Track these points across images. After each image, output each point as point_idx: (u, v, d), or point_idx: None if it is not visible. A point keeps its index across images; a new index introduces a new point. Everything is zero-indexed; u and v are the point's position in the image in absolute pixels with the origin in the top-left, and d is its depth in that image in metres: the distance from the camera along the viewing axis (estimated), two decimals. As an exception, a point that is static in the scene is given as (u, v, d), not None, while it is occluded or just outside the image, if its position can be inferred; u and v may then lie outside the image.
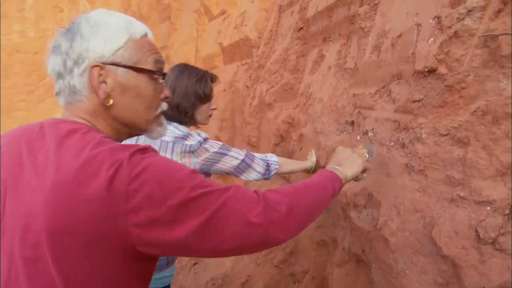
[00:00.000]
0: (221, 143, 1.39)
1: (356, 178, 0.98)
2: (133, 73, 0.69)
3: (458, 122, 0.88)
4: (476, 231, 0.77)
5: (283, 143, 2.25)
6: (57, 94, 0.70)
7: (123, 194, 0.57)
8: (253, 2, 2.68)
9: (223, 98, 3.06)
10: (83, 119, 0.69)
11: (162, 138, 1.31)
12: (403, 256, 0.96)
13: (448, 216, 0.83)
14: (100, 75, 0.67)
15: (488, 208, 0.76)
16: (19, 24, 9.95)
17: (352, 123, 1.48)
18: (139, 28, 0.72)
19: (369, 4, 1.42)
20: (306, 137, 1.89)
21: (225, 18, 3.23)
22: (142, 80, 0.71)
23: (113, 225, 0.57)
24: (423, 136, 0.97)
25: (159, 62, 0.74)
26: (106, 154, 0.59)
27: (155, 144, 1.31)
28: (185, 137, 1.31)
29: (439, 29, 0.95)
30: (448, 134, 0.90)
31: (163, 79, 0.75)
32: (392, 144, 1.12)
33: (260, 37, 2.62)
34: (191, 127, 1.45)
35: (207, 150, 1.33)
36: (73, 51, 0.66)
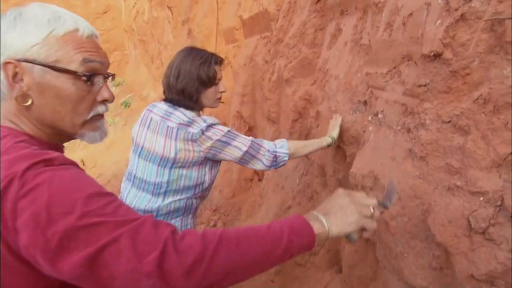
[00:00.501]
0: (226, 130, 1.35)
1: (349, 237, 0.73)
2: (52, 72, 0.64)
3: (460, 109, 0.87)
4: (468, 220, 0.78)
5: (301, 120, 2.26)
6: None
7: (12, 211, 0.53)
8: (271, -27, 2.61)
9: (244, 73, 3.07)
10: (9, 119, 0.66)
11: (168, 124, 1.32)
12: (401, 240, 0.99)
13: (444, 205, 0.85)
14: (15, 73, 0.63)
15: (481, 198, 0.77)
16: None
17: (365, 102, 1.47)
18: (67, 23, 0.66)
19: (383, -22, 1.37)
20: (323, 114, 1.89)
21: (244, -11, 3.17)
22: (63, 81, 0.65)
23: (9, 243, 0.54)
24: (427, 122, 0.97)
25: (89, 61, 0.67)
26: (5, 165, 0.55)
27: (162, 129, 1.33)
28: (189, 124, 1.31)
29: (447, 10, 0.92)
30: (450, 121, 0.90)
31: (88, 80, 0.67)
32: (399, 128, 1.11)
33: (279, 10, 2.56)
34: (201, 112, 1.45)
35: (209, 138, 1.31)
36: None
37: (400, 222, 0.99)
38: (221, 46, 3.67)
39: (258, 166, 1.39)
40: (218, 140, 1.32)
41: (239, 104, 3.20)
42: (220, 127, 1.36)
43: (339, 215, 0.70)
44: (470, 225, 0.78)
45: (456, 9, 0.88)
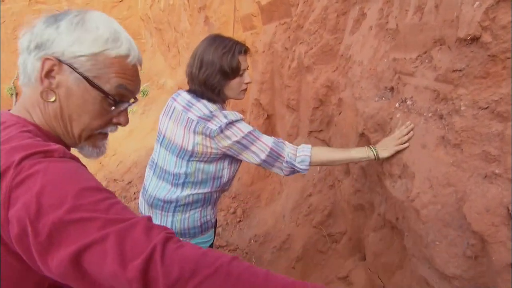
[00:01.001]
0: (247, 131, 1.26)
1: None
2: (86, 84, 0.66)
3: (499, 95, 0.84)
4: (508, 209, 0.76)
5: (322, 107, 2.24)
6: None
7: (6, 201, 0.52)
8: (291, -44, 2.55)
9: (262, 60, 3.04)
10: (25, 108, 0.68)
11: (189, 115, 1.29)
12: (433, 228, 0.97)
13: (481, 193, 0.83)
14: (52, 69, 0.64)
15: (522, 187, 0.75)
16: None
17: (392, 89, 1.44)
18: (122, 47, 0.68)
19: (413, -41, 1.32)
20: (345, 101, 1.87)
21: (263, -26, 3.11)
22: (93, 95, 0.67)
23: (1, 232, 0.53)
24: (462, 108, 0.94)
25: (124, 88, 0.69)
26: (4, 153, 0.55)
27: (183, 120, 1.30)
28: (208, 119, 1.25)
29: (485, -9, 0.88)
30: (488, 107, 0.87)
31: (114, 105, 0.70)
32: (430, 115, 1.09)
33: (299, -5, 2.52)
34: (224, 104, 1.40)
35: (228, 137, 1.24)
36: (42, 36, 0.64)
37: (432, 210, 0.98)
38: (239, 33, 3.63)
39: (277, 172, 1.33)
40: (237, 142, 1.26)
41: (258, 92, 3.18)
42: (242, 125, 1.28)
43: None
44: (510, 213, 0.76)
45: (496, -10, 0.84)
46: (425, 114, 1.11)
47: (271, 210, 2.87)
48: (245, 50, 1.37)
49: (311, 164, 1.29)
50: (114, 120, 0.73)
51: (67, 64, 0.64)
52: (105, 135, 0.75)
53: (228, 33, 3.79)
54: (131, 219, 0.54)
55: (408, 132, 1.16)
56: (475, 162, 0.88)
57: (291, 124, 2.70)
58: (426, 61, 1.16)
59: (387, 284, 1.47)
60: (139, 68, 0.73)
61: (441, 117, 1.02)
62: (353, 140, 1.77)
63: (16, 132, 0.60)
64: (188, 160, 1.32)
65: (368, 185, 1.74)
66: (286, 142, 1.33)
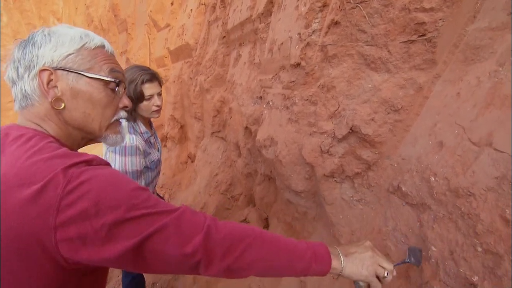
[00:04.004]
0: (131, 170, 1.11)
1: (357, 284, 0.60)
2: (85, 79, 0.53)
3: (312, 92, 1.14)
4: (320, 148, 1.05)
5: (219, 115, 2.39)
6: (14, 100, 0.54)
7: (53, 208, 0.41)
8: (189, 18, 2.66)
9: (174, 87, 3.05)
10: (34, 123, 0.53)
11: None
12: (289, 168, 1.23)
13: (308, 142, 1.11)
14: (50, 79, 0.52)
15: (325, 135, 1.04)
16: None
17: (260, 97, 1.69)
18: (96, 39, 0.56)
19: (264, 23, 1.60)
20: (234, 109, 2.06)
21: (169, 29, 3.12)
22: (95, 86, 0.54)
23: (40, 239, 0.41)
24: (296, 101, 1.22)
25: (115, 71, 0.57)
26: (41, 164, 0.43)
27: None
28: None
29: (300, 40, 1.18)
30: (308, 99, 1.16)
31: (117, 86, 0.57)
32: (282, 107, 1.36)
33: (196, 43, 2.64)
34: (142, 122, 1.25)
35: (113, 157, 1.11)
36: (24, 58, 0.52)
37: (287, 158, 1.23)
38: (154, 69, 3.53)
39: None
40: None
41: (172, 110, 3.16)
42: (124, 159, 1.12)
43: (356, 263, 0.58)
44: (321, 149, 1.05)
45: (305, 39, 1.14)
46: (279, 108, 1.37)
47: (190, 191, 2.87)
48: (147, 79, 1.16)
49: None
50: (120, 105, 0.60)
51: (60, 68, 0.52)
52: (118, 122, 0.62)
53: (144, 69, 3.62)
54: (178, 208, 0.49)
55: None
56: (305, 128, 1.16)
57: (199, 129, 2.78)
58: (277, 79, 1.43)
59: (269, 214, 1.70)
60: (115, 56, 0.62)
61: (287, 108, 1.29)
62: (241, 132, 1.98)
63: (43, 143, 0.47)
64: (110, 162, 1.22)
65: (252, 159, 1.96)
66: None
